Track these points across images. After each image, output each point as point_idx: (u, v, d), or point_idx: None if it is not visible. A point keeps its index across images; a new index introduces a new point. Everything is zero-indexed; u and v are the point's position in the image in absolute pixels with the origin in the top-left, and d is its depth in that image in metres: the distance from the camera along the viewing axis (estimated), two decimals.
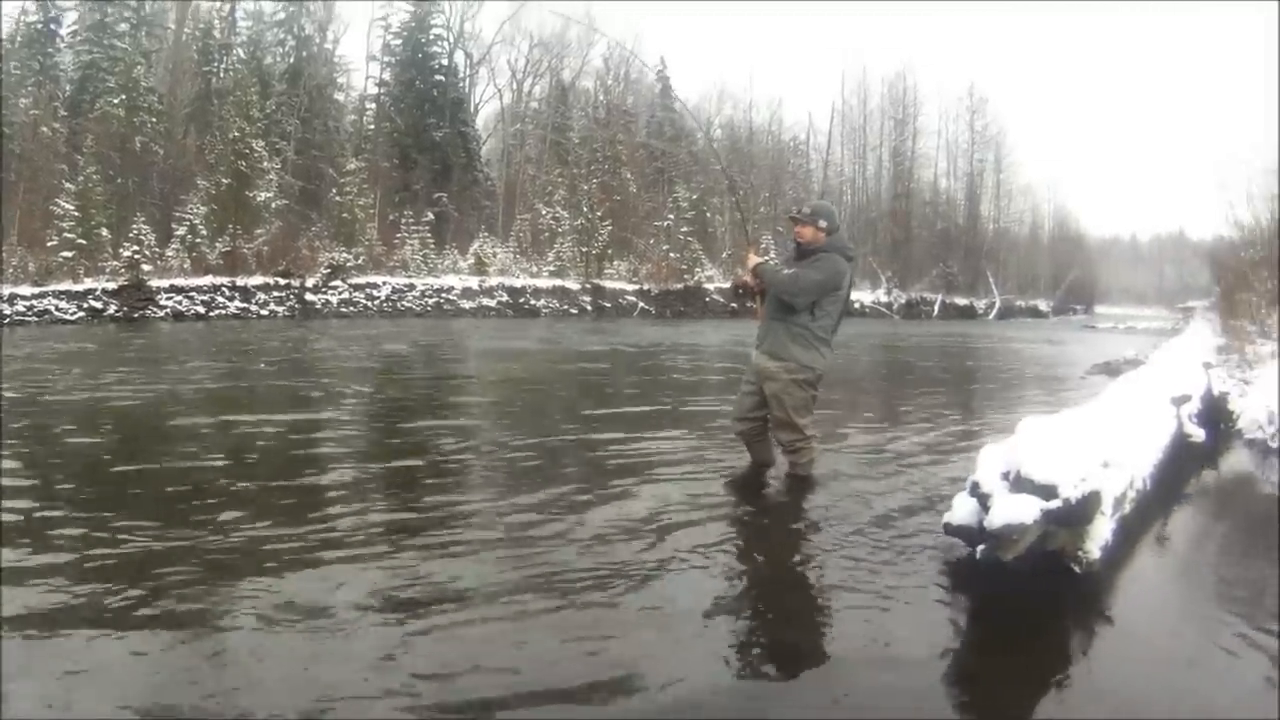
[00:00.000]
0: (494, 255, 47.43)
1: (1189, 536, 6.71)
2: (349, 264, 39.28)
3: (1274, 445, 10.00)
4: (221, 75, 50.32)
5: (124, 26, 47.04)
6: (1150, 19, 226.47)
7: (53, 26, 47.77)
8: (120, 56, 44.09)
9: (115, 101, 40.93)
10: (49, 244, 33.08)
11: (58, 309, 29.77)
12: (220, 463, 7.58)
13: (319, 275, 37.65)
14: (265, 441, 8.77)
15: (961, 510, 5.16)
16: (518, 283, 45.23)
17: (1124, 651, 4.31)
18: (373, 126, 57.14)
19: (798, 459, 7.23)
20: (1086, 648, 4.42)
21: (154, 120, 42.39)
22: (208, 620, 4.14)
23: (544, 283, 46.30)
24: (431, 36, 58.75)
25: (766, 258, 7.41)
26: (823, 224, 7.06)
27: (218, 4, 53.38)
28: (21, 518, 5.63)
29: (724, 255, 55.69)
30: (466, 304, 42.01)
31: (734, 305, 45.26)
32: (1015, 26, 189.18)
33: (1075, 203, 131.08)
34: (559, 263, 48.38)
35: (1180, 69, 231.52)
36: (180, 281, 33.54)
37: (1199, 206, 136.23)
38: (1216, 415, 10.88)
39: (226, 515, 5.68)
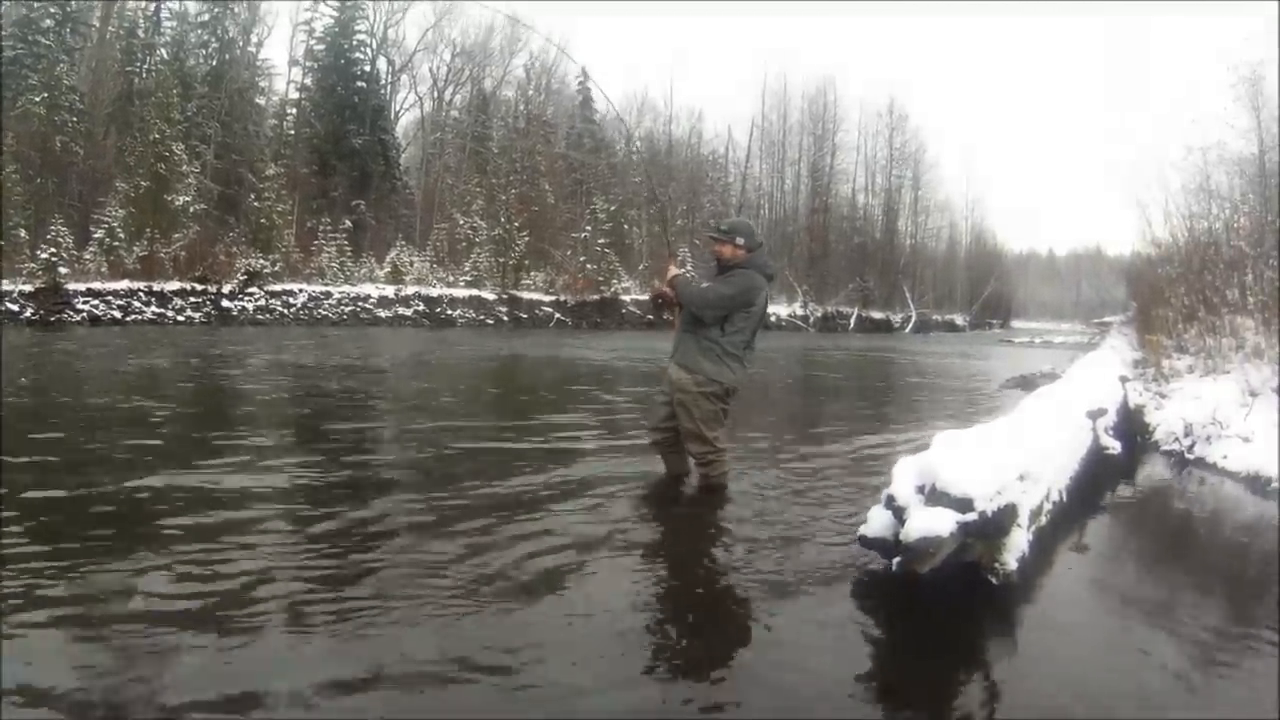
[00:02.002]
0: (411, 264, 47.58)
1: (1105, 548, 6.79)
2: (266, 270, 39.25)
3: (1190, 457, 10.26)
4: (144, 76, 49.91)
5: (49, 22, 46.10)
6: (1070, 36, 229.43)
7: None
8: (44, 53, 43.49)
9: (37, 99, 40.29)
10: None
11: None
12: None
13: (236, 281, 37.60)
14: None
15: (877, 523, 5.18)
16: (434, 292, 45.49)
17: (1040, 662, 4.36)
18: (293, 132, 57.09)
19: (710, 471, 7.24)
20: (1003, 658, 4.48)
21: (75, 120, 41.94)
22: None
23: (460, 292, 46.60)
24: (354, 42, 58.98)
25: (685, 270, 7.78)
26: (740, 241, 7.12)
27: (143, 3, 52.94)
28: None
29: (640, 267, 56.33)
30: (383, 313, 42.17)
31: (650, 317, 45.71)
32: (936, 43, 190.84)
33: (993, 218, 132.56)
34: (475, 273, 48.64)
35: (1099, 87, 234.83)
36: (97, 285, 33.30)
37: (1116, 223, 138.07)
38: (1133, 428, 11.20)
39: None
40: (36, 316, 30.39)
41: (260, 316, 37.49)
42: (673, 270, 7.41)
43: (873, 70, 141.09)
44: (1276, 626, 4.81)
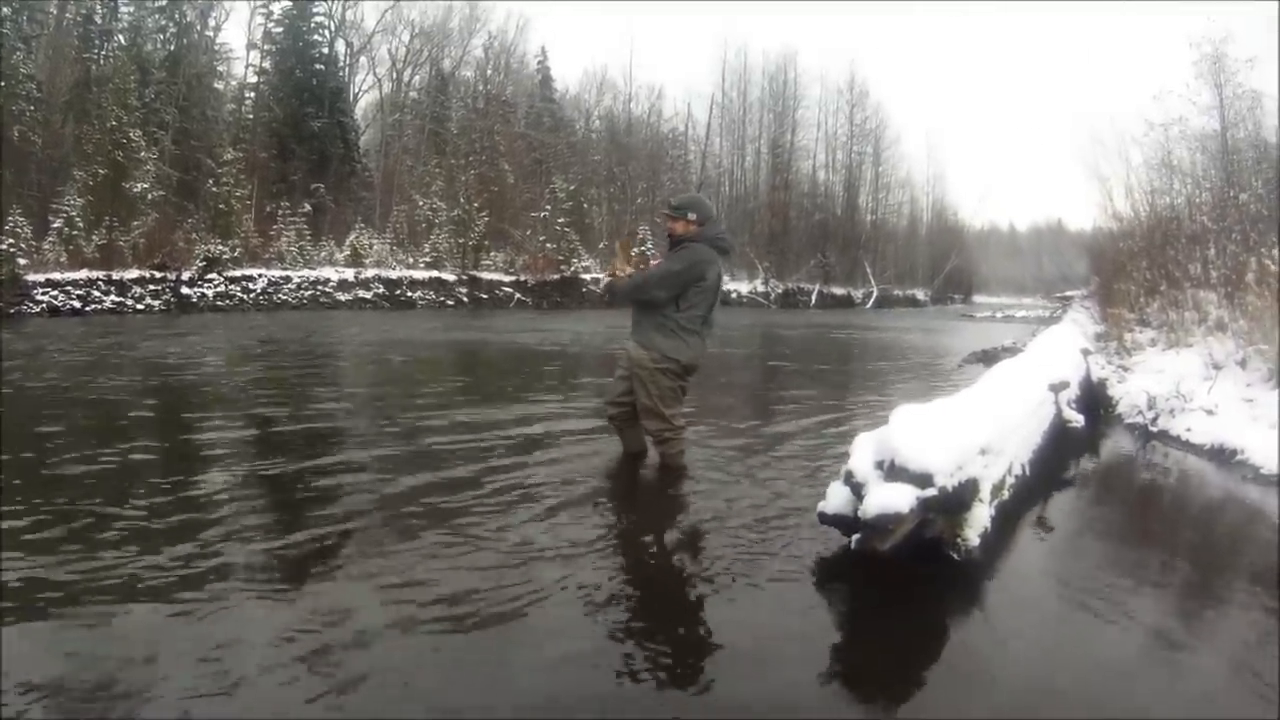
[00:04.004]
0: (370, 247, 47.70)
1: (1069, 521, 6.79)
2: (225, 256, 39.23)
3: (1154, 430, 10.43)
4: (101, 62, 49.35)
5: (5, 10, 45.19)
6: (1029, 13, 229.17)
7: None
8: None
9: None
10: None
11: None
12: None
13: (195, 268, 37.58)
14: None
15: (836, 499, 5.13)
16: (394, 274, 45.62)
17: (1004, 636, 4.41)
18: (251, 116, 56.80)
19: (667, 449, 7.31)
20: (966, 634, 4.47)
21: (32, 109, 41.64)
22: None
23: (420, 274, 46.75)
24: (313, 24, 58.64)
25: (633, 256, 7.92)
26: (692, 216, 7.17)
27: None
28: None
29: (601, 245, 56.51)
30: (343, 296, 42.32)
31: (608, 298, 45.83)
32: (897, 20, 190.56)
33: (954, 194, 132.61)
34: (435, 254, 48.81)
35: (1058, 61, 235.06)
36: (57, 275, 33.12)
37: (1077, 198, 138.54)
38: (1095, 401, 11.41)
39: None
40: None
41: (220, 303, 37.35)
42: (606, 279, 7.69)
43: (833, 45, 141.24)
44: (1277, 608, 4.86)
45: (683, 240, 7.21)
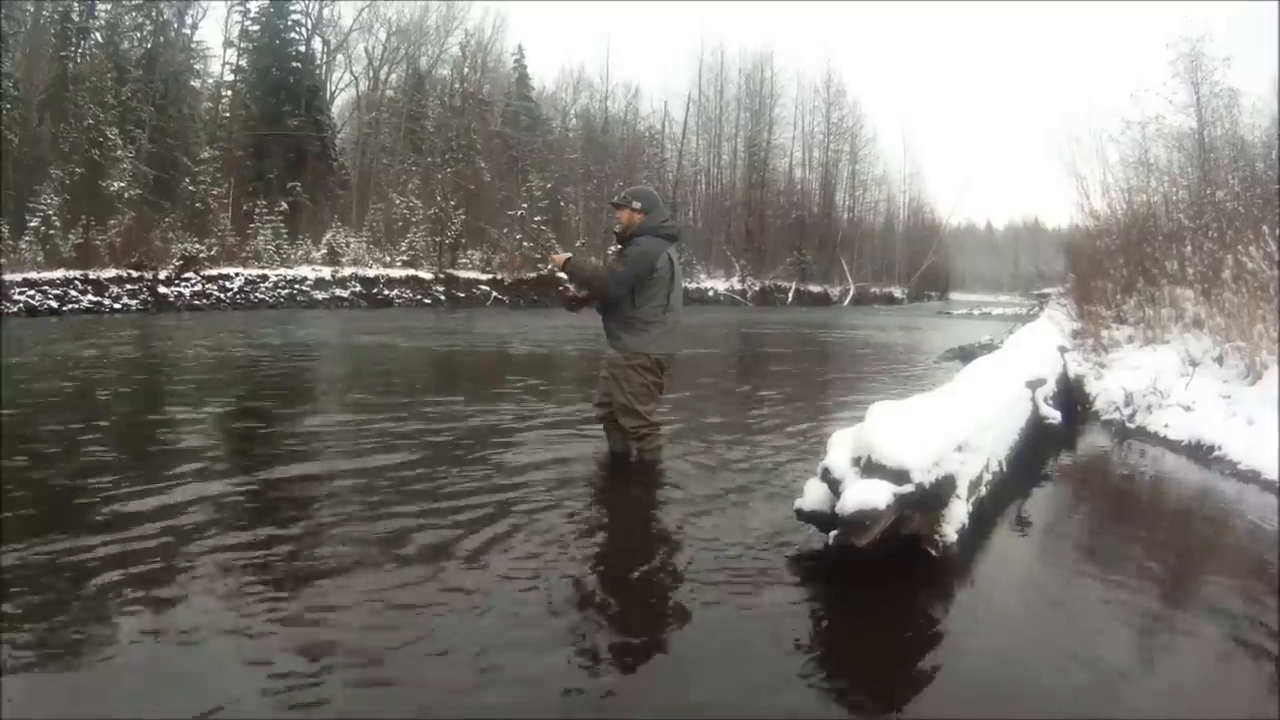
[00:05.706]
0: (347, 245, 47.84)
1: (1047, 518, 6.75)
2: (202, 255, 39.41)
3: (1131, 426, 10.38)
4: (78, 61, 49.31)
5: None
6: (1005, 13, 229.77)
7: None
8: None
9: None
10: None
11: None
12: None
13: (172, 267, 37.74)
14: None
15: (813, 496, 5.09)
16: (371, 273, 45.85)
17: (982, 631, 4.37)
18: (228, 114, 56.67)
19: (644, 445, 7.34)
20: (943, 630, 4.42)
21: (9, 107, 41.56)
22: None
23: (397, 273, 46.99)
24: (290, 22, 58.64)
25: (568, 254, 7.88)
26: (637, 205, 7.24)
27: None
28: None
29: (578, 244, 56.54)
30: (319, 295, 42.50)
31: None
32: (874, 16, 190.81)
33: (931, 191, 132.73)
34: (412, 253, 49.06)
35: (1036, 59, 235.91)
36: (34, 275, 33.23)
37: (1053, 196, 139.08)
38: (1072, 398, 11.43)
39: None
40: None
41: (197, 302, 37.59)
42: (559, 257, 7.57)
43: (810, 44, 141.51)
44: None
45: (628, 233, 7.30)
